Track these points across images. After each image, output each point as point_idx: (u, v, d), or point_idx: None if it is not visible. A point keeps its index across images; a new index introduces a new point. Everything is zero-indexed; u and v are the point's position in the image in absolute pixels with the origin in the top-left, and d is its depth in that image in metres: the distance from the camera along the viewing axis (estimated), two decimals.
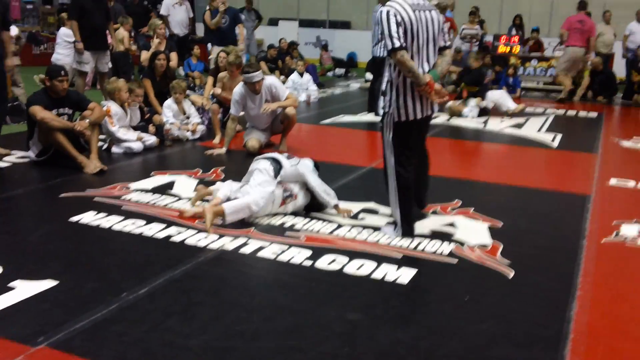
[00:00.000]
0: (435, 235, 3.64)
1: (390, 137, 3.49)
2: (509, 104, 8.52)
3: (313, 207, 4.00)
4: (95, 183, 4.50)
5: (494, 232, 3.72)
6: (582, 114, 9.22)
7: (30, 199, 4.29)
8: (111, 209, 3.90)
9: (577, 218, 4.09)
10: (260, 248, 3.35)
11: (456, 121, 7.97)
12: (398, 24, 3.25)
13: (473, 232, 3.71)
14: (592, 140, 7.04)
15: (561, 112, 9.27)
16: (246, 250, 3.32)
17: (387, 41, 3.28)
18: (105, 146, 5.56)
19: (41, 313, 2.56)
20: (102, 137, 5.46)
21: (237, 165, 5.06)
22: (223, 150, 5.63)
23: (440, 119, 7.98)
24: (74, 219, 3.72)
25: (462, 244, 3.52)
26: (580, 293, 2.95)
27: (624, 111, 9.94)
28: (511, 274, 3.14)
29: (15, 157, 5.25)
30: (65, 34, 7.59)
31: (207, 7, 9.22)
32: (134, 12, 9.98)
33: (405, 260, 3.25)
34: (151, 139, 5.74)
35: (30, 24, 14.27)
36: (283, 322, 2.57)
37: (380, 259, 3.24)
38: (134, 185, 4.46)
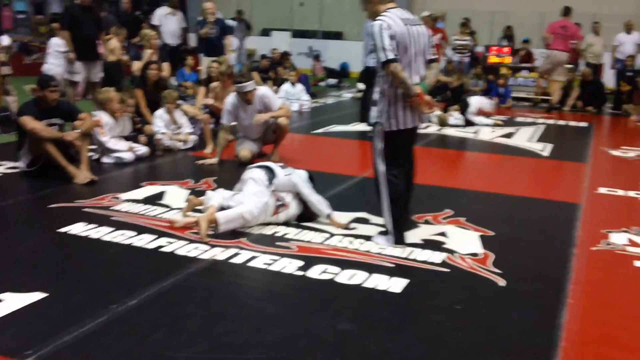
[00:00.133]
0: (427, 244, 3.64)
1: (381, 146, 3.54)
2: (488, 107, 8.88)
3: (305, 216, 3.99)
4: (85, 194, 4.47)
5: (485, 241, 3.73)
6: (572, 123, 9.29)
7: (19, 210, 4.25)
8: (101, 220, 3.88)
9: (567, 226, 4.11)
10: (252, 258, 3.33)
11: (447, 131, 8.01)
12: (391, 37, 3.33)
13: (464, 241, 3.71)
14: (582, 149, 7.09)
15: (551, 121, 9.34)
16: (237, 260, 3.31)
17: (380, 54, 3.35)
18: (95, 156, 5.53)
19: (29, 326, 2.53)
20: (92, 147, 5.44)
21: (228, 176, 5.05)
22: (215, 160, 5.62)
23: (431, 128, 8.02)
24: (63, 229, 3.69)
25: (453, 253, 3.52)
26: (570, 301, 2.96)
27: (613, 121, 10.03)
28: (502, 282, 3.14)
29: (4, 167, 5.22)
30: (57, 43, 7.57)
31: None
32: (125, 22, 9.95)
33: (396, 270, 3.25)
34: (142, 149, 5.72)
35: (22, 33, 14.23)
36: (273, 332, 2.55)
37: (371, 269, 3.24)
38: (124, 195, 4.44)
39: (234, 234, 3.65)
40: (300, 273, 3.16)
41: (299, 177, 4.02)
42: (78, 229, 3.71)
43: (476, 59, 12.39)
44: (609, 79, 11.99)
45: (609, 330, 2.73)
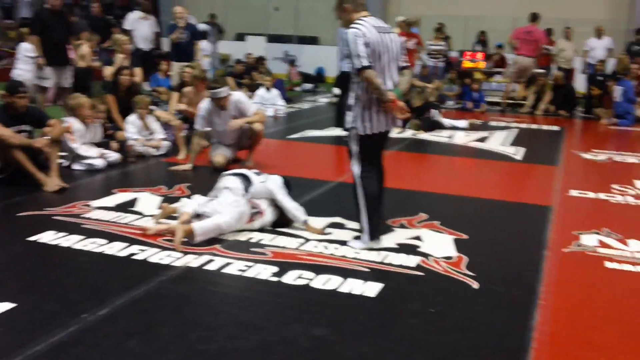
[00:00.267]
0: (402, 248, 3.65)
1: (356, 149, 3.62)
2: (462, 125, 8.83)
3: (281, 222, 3.97)
4: (55, 201, 4.38)
5: (459, 244, 3.76)
6: (545, 127, 9.45)
7: None
8: (71, 228, 3.80)
9: (539, 229, 4.17)
10: (226, 265, 3.30)
11: (422, 135, 8.07)
12: (365, 45, 3.40)
13: (439, 245, 3.74)
14: (554, 153, 7.20)
15: (524, 125, 9.48)
16: (211, 267, 3.27)
17: (355, 60, 3.43)
18: (66, 163, 5.43)
19: None
20: (63, 154, 5.34)
21: (202, 182, 5.00)
22: (189, 166, 5.57)
23: (406, 133, 8.07)
24: (33, 238, 3.61)
25: (428, 256, 3.54)
26: (542, 302, 2.99)
27: (585, 125, 10.22)
28: (476, 285, 3.17)
29: None
30: (26, 49, 7.44)
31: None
32: (96, 27, 9.84)
33: (371, 274, 3.25)
34: (114, 156, 5.64)
35: None
36: (248, 339, 2.53)
37: (346, 274, 3.23)
38: (95, 203, 4.36)
39: (208, 241, 3.61)
40: (275, 279, 3.14)
41: (275, 184, 4.01)
42: (48, 237, 3.63)
43: (450, 64, 12.54)
44: (580, 83, 12.22)
45: (580, 330, 2.77)
